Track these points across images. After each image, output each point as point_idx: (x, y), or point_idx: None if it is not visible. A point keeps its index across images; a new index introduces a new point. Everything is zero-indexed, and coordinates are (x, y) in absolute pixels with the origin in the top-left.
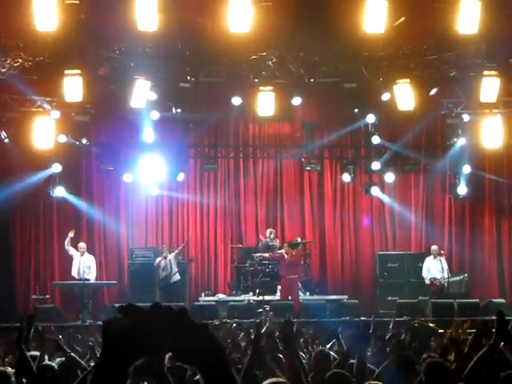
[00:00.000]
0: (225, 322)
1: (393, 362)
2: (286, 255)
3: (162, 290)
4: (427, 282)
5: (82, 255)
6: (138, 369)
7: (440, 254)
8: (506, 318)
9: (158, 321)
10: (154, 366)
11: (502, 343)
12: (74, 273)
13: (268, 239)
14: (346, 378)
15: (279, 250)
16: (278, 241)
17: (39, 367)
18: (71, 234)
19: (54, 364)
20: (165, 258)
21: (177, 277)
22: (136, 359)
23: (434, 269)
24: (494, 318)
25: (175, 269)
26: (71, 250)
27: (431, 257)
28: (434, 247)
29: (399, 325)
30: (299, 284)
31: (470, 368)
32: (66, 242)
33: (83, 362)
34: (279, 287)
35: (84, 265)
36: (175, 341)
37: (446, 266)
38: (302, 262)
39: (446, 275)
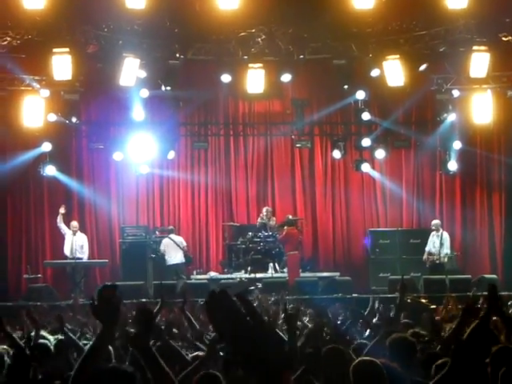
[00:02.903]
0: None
1: (382, 338)
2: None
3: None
4: (424, 256)
5: (74, 234)
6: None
7: (440, 229)
8: (498, 293)
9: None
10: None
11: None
12: (67, 251)
13: (265, 218)
14: (342, 353)
15: (277, 227)
16: (274, 219)
17: (34, 345)
18: (62, 211)
19: (46, 342)
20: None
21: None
22: None
23: (431, 244)
24: (485, 293)
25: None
26: (63, 228)
27: (434, 232)
28: (434, 222)
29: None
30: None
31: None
32: (58, 219)
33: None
34: (271, 264)
35: (77, 244)
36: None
37: (446, 241)
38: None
39: (443, 251)
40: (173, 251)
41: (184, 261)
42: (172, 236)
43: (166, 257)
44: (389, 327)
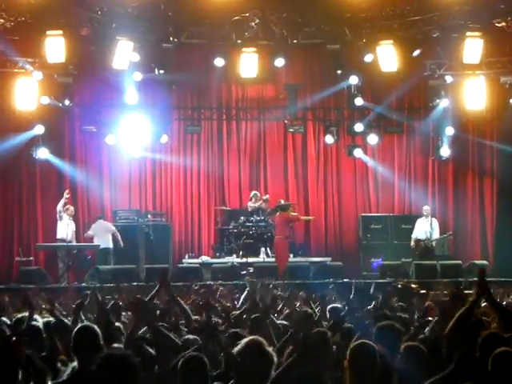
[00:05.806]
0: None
1: (371, 322)
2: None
3: None
4: (412, 243)
5: (70, 219)
6: None
7: (431, 215)
8: (487, 278)
9: None
10: None
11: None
12: (63, 235)
13: (253, 201)
14: (325, 337)
15: (268, 212)
16: (267, 196)
17: (26, 328)
18: (67, 195)
19: (39, 324)
20: None
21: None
22: None
23: (421, 229)
24: (475, 279)
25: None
26: (63, 213)
27: (422, 217)
28: (425, 207)
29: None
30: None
31: (451, 326)
32: (61, 203)
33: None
34: (262, 249)
35: (72, 229)
36: None
37: (435, 227)
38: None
39: (433, 236)
40: (101, 235)
41: (112, 246)
42: (101, 221)
43: (96, 241)
44: (377, 312)
